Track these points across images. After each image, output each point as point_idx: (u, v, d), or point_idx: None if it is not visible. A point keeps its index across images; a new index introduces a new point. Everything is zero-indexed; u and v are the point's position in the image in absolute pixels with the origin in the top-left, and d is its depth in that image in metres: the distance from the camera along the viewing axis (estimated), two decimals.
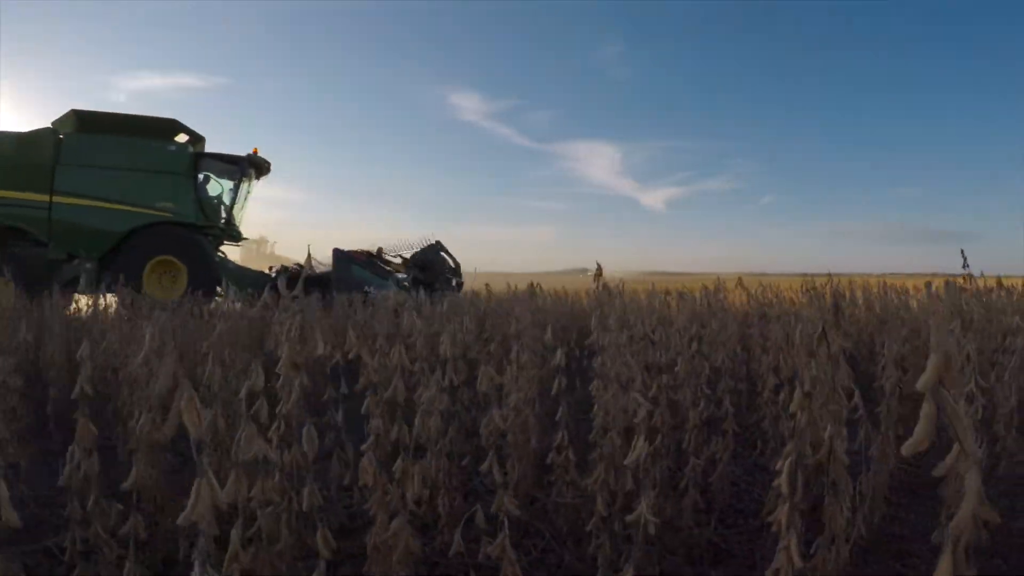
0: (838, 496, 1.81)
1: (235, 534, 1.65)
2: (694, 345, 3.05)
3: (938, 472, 0.76)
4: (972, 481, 0.72)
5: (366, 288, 11.96)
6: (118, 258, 13.71)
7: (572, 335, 5.81)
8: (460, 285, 15.18)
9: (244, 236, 16.73)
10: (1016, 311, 3.44)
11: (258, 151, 15.80)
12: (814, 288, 6.66)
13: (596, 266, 2.70)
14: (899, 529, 3.17)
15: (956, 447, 0.73)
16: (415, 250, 15.38)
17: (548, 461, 2.75)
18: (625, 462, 1.73)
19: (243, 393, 1.77)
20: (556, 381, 2.38)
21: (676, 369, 2.87)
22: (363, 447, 1.93)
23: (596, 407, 2.37)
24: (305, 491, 1.83)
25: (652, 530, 1.68)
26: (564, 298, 9.13)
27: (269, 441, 1.97)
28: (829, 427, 2.24)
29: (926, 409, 0.70)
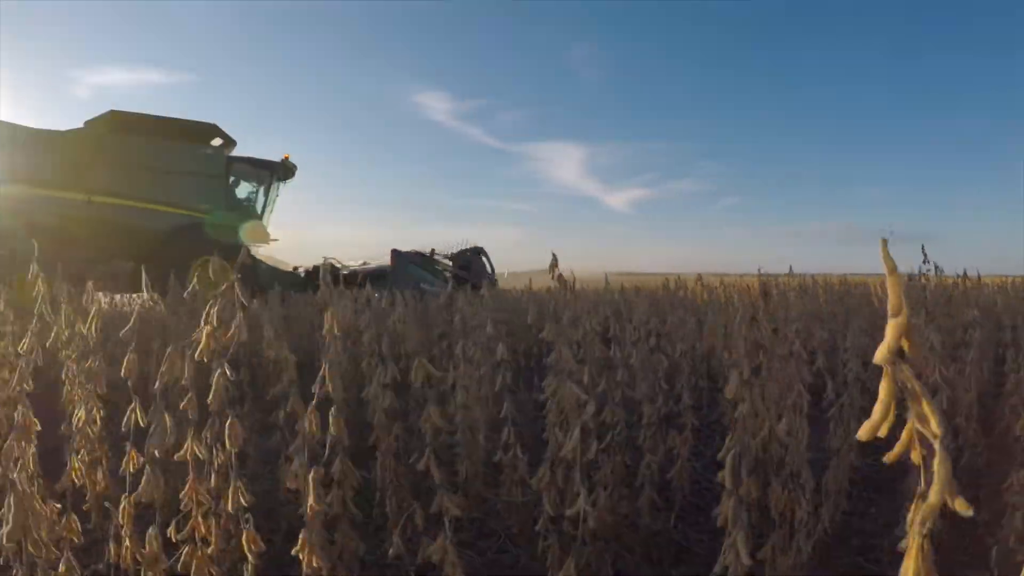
0: (788, 488, 1.73)
1: (151, 534, 1.54)
2: (652, 340, 2.97)
3: (891, 457, 0.67)
4: (942, 465, 0.62)
5: (421, 285, 12.72)
6: (162, 257, 13.01)
7: (533, 332, 5.75)
8: (495, 284, 15.32)
9: (273, 238, 17.09)
10: (975, 305, 3.45)
11: (289, 157, 16.47)
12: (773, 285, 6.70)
13: (552, 257, 2.62)
14: (861, 523, 3.13)
15: (909, 426, 0.64)
16: (457, 251, 16.60)
17: (495, 459, 2.65)
18: (560, 453, 1.65)
19: (157, 386, 1.65)
20: (500, 376, 2.28)
21: (631, 363, 2.79)
22: (291, 448, 1.82)
23: (548, 404, 2.28)
24: (230, 490, 1.70)
25: (592, 523, 1.59)
26: (528, 294, 9.20)
27: (202, 438, 1.87)
28: (784, 420, 2.18)
29: (884, 386, 0.61)
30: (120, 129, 14.39)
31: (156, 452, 1.52)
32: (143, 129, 14.66)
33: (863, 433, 0.63)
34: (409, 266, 15.19)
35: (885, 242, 0.59)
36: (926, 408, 0.60)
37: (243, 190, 16.28)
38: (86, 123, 14.46)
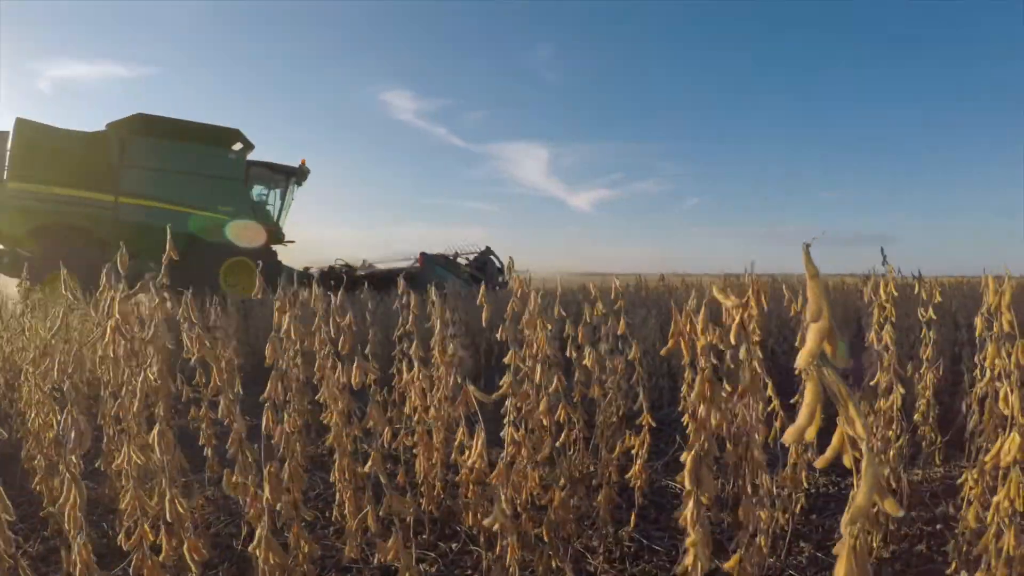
0: (749, 487, 1.74)
1: (81, 543, 1.51)
2: (610, 339, 2.98)
3: (822, 462, 0.67)
4: (869, 467, 0.63)
5: (445, 284, 13.16)
6: (190, 259, 13.40)
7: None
8: (505, 284, 16.46)
9: (289, 239, 17.76)
10: (931, 306, 3.49)
11: (305, 162, 17.43)
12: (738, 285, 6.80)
13: (509, 260, 2.60)
14: (820, 519, 3.17)
15: (839, 431, 0.64)
16: (476, 254, 18.48)
17: (451, 460, 2.64)
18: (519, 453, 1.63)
19: (66, 387, 1.61)
20: (453, 376, 2.27)
21: (584, 363, 2.79)
22: (229, 452, 1.79)
23: (506, 403, 2.27)
24: (167, 499, 1.67)
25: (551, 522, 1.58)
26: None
27: (148, 446, 1.84)
28: (751, 419, 2.19)
29: (809, 389, 0.61)
30: (145, 131, 14.89)
31: (74, 458, 1.47)
32: (167, 132, 15.18)
33: (788, 437, 0.63)
34: (436, 268, 16.30)
35: (807, 247, 0.59)
36: (851, 412, 0.60)
37: (263, 193, 17.18)
38: (109, 125, 14.84)
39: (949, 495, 3.32)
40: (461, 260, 18.52)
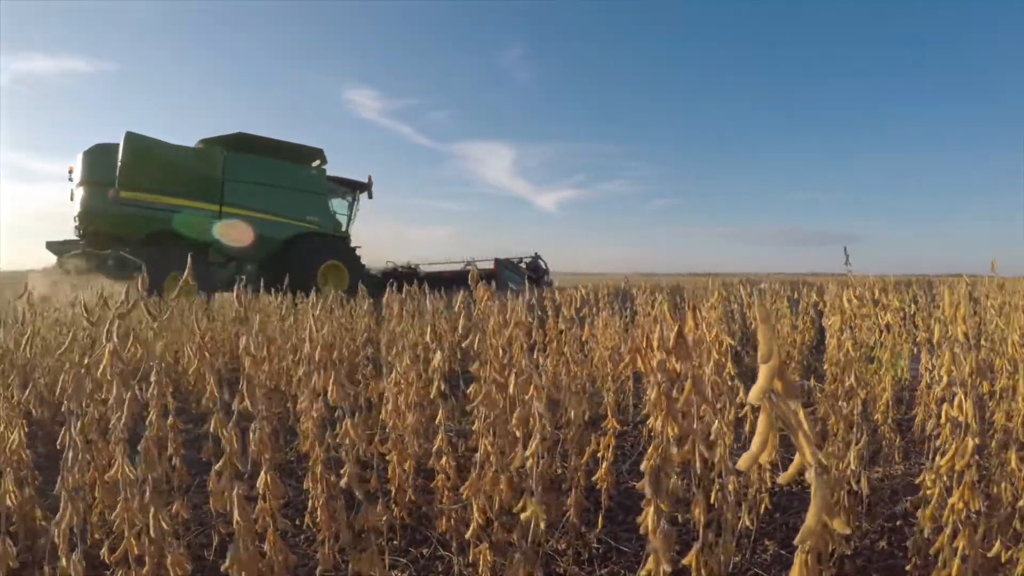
0: (713, 491, 1.78)
1: (75, 559, 1.52)
2: (575, 344, 3.02)
3: (782, 480, 0.71)
4: (819, 491, 0.67)
5: (511, 285, 16.88)
6: (290, 262, 16.33)
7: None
8: (550, 283, 20.20)
9: (356, 244, 19.78)
10: (890, 308, 3.57)
11: (371, 177, 19.94)
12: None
13: (470, 260, 2.63)
14: (785, 518, 3.23)
15: (798, 457, 0.68)
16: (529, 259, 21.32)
17: (428, 466, 2.66)
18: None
19: (65, 408, 1.62)
20: (435, 385, 2.29)
21: (556, 368, 2.83)
22: (215, 467, 1.80)
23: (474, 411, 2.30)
24: (151, 514, 1.68)
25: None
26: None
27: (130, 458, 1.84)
28: (715, 425, 2.24)
29: (762, 419, 0.65)
30: (245, 148, 17.10)
31: (71, 479, 1.48)
32: (263, 149, 17.48)
33: (742, 464, 0.67)
34: (505, 271, 19.22)
35: (761, 294, 0.62)
36: (802, 439, 0.64)
37: (337, 205, 19.57)
38: (205, 141, 17.24)
39: (909, 492, 3.40)
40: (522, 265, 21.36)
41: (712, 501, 2.28)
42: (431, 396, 2.43)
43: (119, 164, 15.08)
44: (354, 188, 19.98)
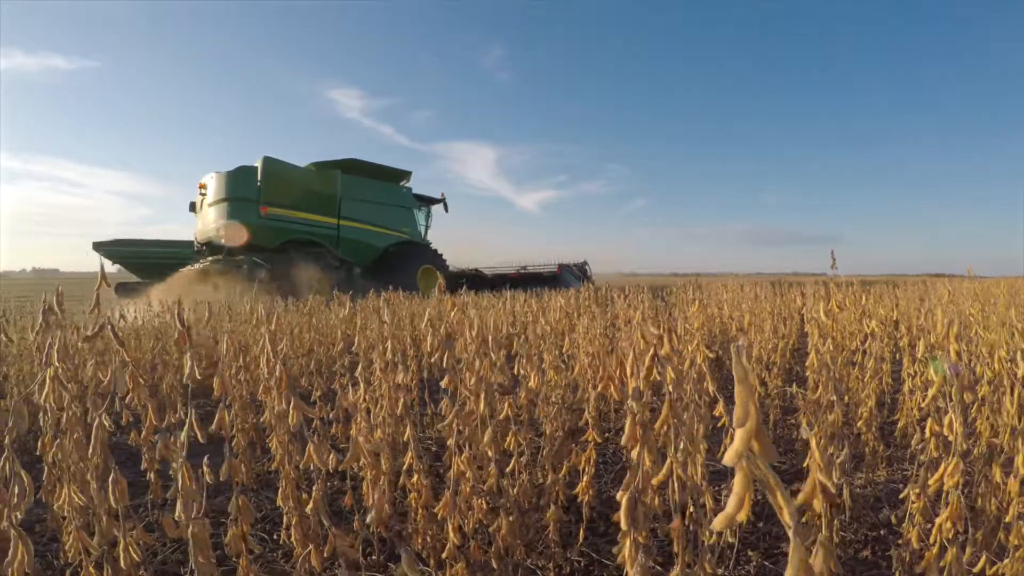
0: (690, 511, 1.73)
1: None
2: (555, 352, 2.96)
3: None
4: (795, 553, 0.61)
5: (570, 286, 19.76)
6: (393, 267, 20.48)
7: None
8: (593, 283, 22.19)
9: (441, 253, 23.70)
10: (872, 315, 3.54)
11: (444, 195, 24.30)
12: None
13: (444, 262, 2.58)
14: (767, 527, 3.19)
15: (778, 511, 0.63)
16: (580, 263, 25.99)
17: (400, 484, 2.60)
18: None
19: (7, 440, 1.54)
20: (401, 400, 2.23)
21: (532, 382, 2.77)
22: (172, 492, 1.73)
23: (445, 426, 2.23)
24: (121, 543, 1.60)
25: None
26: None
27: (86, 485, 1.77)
28: (683, 449, 2.18)
29: (737, 480, 0.60)
30: (356, 170, 21.01)
31: (16, 516, 1.40)
32: (369, 171, 21.49)
33: (717, 525, 0.62)
34: (565, 274, 23.74)
35: (738, 352, 0.57)
36: (780, 500, 0.59)
37: (419, 217, 23.41)
38: (319, 164, 20.93)
39: (892, 499, 3.38)
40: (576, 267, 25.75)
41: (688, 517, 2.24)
42: (398, 412, 2.37)
43: (259, 184, 18.22)
44: (429, 203, 24.02)
